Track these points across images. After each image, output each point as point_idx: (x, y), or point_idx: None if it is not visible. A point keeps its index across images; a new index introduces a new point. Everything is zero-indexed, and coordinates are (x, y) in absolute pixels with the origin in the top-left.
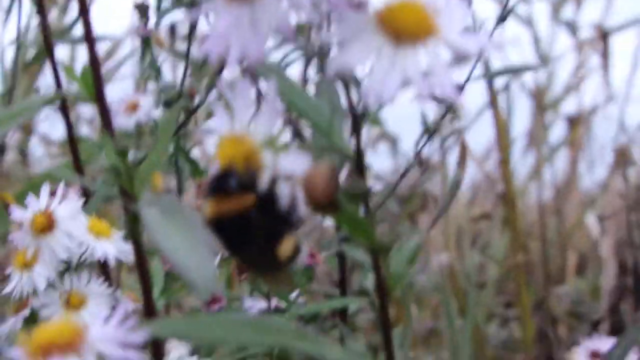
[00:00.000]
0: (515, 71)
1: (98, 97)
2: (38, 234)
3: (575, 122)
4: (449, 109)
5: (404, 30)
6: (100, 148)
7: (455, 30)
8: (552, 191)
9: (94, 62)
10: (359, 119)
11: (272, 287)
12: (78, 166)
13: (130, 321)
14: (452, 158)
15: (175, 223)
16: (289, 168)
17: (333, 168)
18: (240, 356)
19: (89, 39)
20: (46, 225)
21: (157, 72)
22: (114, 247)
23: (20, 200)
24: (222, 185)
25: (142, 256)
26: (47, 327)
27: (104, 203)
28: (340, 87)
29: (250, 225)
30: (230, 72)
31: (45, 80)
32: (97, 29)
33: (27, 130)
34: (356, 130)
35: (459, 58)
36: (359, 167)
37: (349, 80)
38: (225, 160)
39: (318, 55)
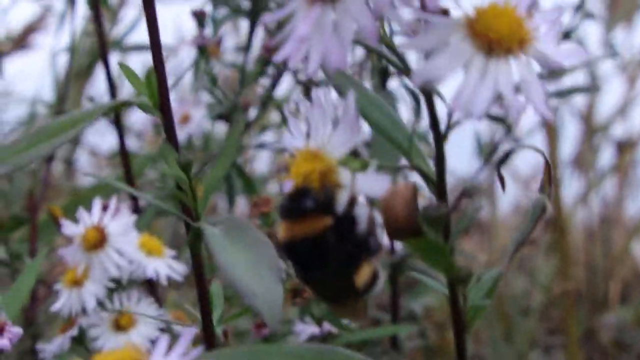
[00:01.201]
0: (570, 92)
1: (162, 105)
2: (89, 250)
3: (623, 147)
4: (508, 130)
5: (496, 40)
6: (153, 161)
7: (548, 40)
8: (598, 217)
9: (159, 69)
10: (442, 136)
11: (343, 316)
12: (130, 179)
13: (193, 353)
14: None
15: (241, 244)
16: (368, 189)
17: (414, 190)
18: None
19: (155, 43)
20: (98, 241)
21: (213, 83)
22: (165, 265)
23: (69, 212)
24: (297, 205)
25: (202, 278)
26: (106, 356)
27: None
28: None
29: (327, 249)
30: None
31: (95, 89)
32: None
33: (75, 140)
34: (439, 149)
35: (552, 71)
36: (440, 190)
37: (434, 93)
38: (299, 178)
39: (401, 64)
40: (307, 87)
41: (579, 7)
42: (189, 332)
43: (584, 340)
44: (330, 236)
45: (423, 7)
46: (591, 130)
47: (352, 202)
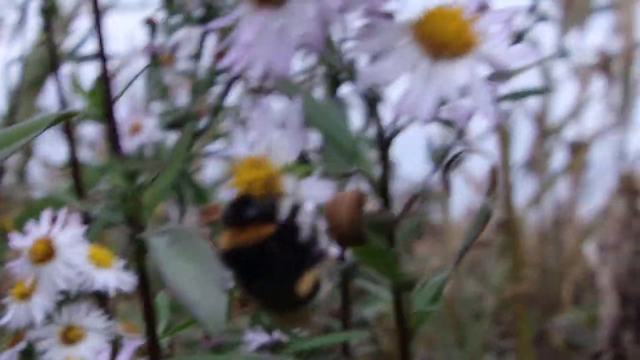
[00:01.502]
0: (523, 95)
1: (107, 115)
2: (37, 262)
3: (576, 149)
4: (459, 134)
5: (442, 44)
6: (103, 172)
7: (498, 42)
8: (551, 219)
9: (105, 79)
10: (387, 141)
11: (286, 325)
12: (80, 190)
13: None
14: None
15: (185, 254)
16: (312, 195)
17: (359, 196)
18: None
19: (102, 54)
20: (46, 253)
21: (163, 92)
22: (114, 277)
23: (20, 225)
24: (239, 213)
25: (147, 289)
26: None
27: (103, 229)
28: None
29: (269, 257)
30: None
31: (46, 101)
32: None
33: (27, 151)
34: (383, 153)
35: (499, 73)
36: (384, 195)
37: (378, 97)
38: (243, 186)
39: (346, 69)
40: (257, 95)
41: (533, 9)
42: (131, 344)
43: (536, 343)
44: (273, 244)
45: (369, 11)
46: (544, 132)
47: (296, 209)
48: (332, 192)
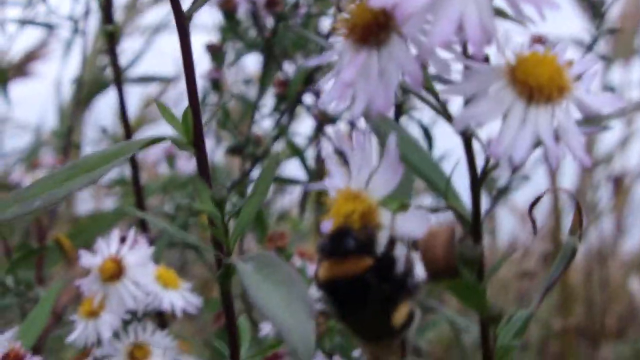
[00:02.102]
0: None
1: (196, 142)
2: (107, 281)
3: (621, 183)
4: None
5: (537, 87)
6: (163, 191)
7: (587, 88)
8: (596, 252)
9: (195, 106)
10: (478, 179)
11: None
12: (142, 209)
13: None
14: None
15: (273, 279)
16: (408, 229)
17: (452, 232)
18: None
19: (190, 79)
20: (115, 272)
21: (226, 116)
22: (181, 298)
23: (71, 241)
24: (337, 245)
25: (231, 312)
26: None
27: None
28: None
29: (366, 290)
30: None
31: (93, 119)
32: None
33: None
34: (475, 191)
35: (590, 120)
36: (476, 231)
37: (472, 138)
38: (340, 218)
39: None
40: (322, 123)
41: (590, 48)
42: None
43: None
44: (370, 277)
45: (465, 54)
46: (590, 166)
47: (392, 243)
48: (427, 227)
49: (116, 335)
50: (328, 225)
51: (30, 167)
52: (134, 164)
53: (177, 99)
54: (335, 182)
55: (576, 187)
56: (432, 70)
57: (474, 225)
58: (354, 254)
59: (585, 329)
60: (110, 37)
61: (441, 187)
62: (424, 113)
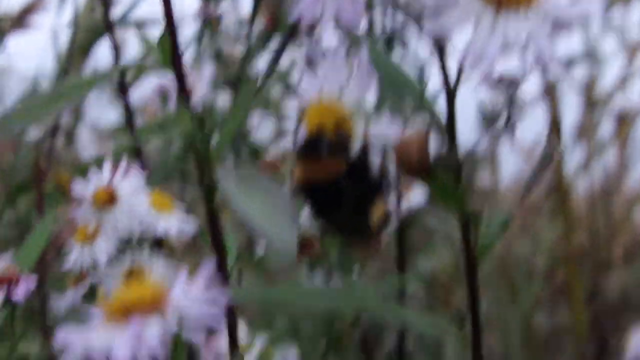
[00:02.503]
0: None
1: (175, 64)
2: (100, 208)
3: (623, 118)
4: (510, 100)
5: None
6: (159, 130)
7: None
8: (600, 185)
9: (172, 31)
10: (452, 88)
11: (361, 254)
12: (135, 149)
13: (214, 282)
14: (503, 151)
15: (255, 189)
16: (381, 134)
17: (427, 136)
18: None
19: (167, 6)
20: (108, 200)
21: (218, 55)
22: (176, 222)
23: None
24: (312, 150)
25: (216, 226)
26: (127, 288)
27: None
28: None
29: (340, 191)
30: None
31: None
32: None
33: (76, 114)
34: (449, 99)
35: (561, 26)
36: (451, 135)
37: (444, 47)
38: (314, 125)
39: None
40: (310, 59)
41: None
42: (208, 264)
43: (589, 301)
44: (345, 178)
45: None
46: (592, 102)
47: (366, 147)
48: (400, 132)
49: (112, 261)
50: (303, 133)
51: None
52: (128, 107)
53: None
54: (309, 91)
55: (579, 122)
56: None
57: (449, 131)
58: (328, 158)
59: (591, 258)
60: None
61: (416, 94)
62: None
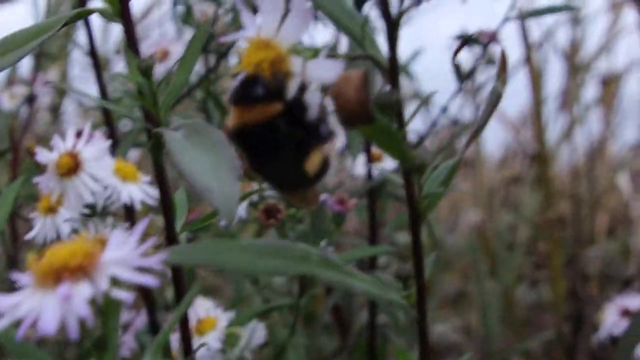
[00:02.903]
0: (550, 11)
1: (123, 12)
2: (63, 176)
3: (607, 82)
4: (484, 57)
5: None
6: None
7: None
8: (584, 152)
9: None
10: (394, 22)
11: (296, 204)
12: (108, 121)
13: (147, 244)
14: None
15: (201, 145)
16: (319, 75)
17: (365, 76)
18: (265, 308)
19: None
20: (72, 166)
21: (188, 13)
22: (140, 191)
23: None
24: (247, 92)
25: (164, 183)
26: (59, 248)
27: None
28: None
29: (277, 136)
30: None
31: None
32: None
33: (61, 90)
34: (391, 38)
35: None
36: (393, 76)
37: None
38: (251, 67)
39: None
40: None
41: None
42: (142, 223)
43: (570, 273)
44: (281, 122)
45: None
46: (575, 67)
47: (303, 88)
48: (339, 72)
49: (76, 231)
50: (240, 76)
51: (8, 84)
52: (100, 81)
53: (162, 20)
54: (247, 32)
55: (562, 88)
56: None
57: (390, 71)
58: (264, 101)
59: (574, 227)
60: None
61: (357, 34)
62: None
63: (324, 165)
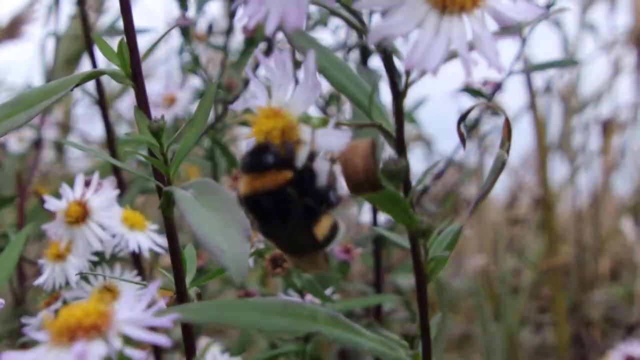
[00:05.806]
0: (555, 65)
1: (134, 73)
2: (72, 224)
3: (609, 127)
4: (489, 106)
5: None
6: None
7: None
8: (587, 197)
9: (131, 39)
10: (400, 94)
11: (305, 269)
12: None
13: (158, 305)
14: (489, 161)
15: (210, 205)
16: (328, 143)
17: (373, 145)
18: (272, 354)
19: (127, 16)
20: (80, 215)
21: (196, 63)
22: (148, 239)
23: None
24: (257, 160)
25: (174, 240)
26: (74, 308)
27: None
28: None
29: (287, 202)
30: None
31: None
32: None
33: (65, 128)
34: (397, 106)
35: (506, 28)
36: (400, 144)
37: (391, 51)
38: (261, 135)
39: (358, 24)
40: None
41: None
42: (154, 285)
43: (573, 317)
44: (291, 190)
45: None
46: (572, 110)
47: (312, 156)
48: (346, 141)
49: (85, 278)
50: (251, 143)
51: None
52: (107, 121)
53: (167, 57)
54: (257, 100)
55: (561, 131)
56: None
57: (397, 139)
58: (274, 168)
59: (577, 272)
60: None
61: (364, 104)
62: None
63: (333, 230)
